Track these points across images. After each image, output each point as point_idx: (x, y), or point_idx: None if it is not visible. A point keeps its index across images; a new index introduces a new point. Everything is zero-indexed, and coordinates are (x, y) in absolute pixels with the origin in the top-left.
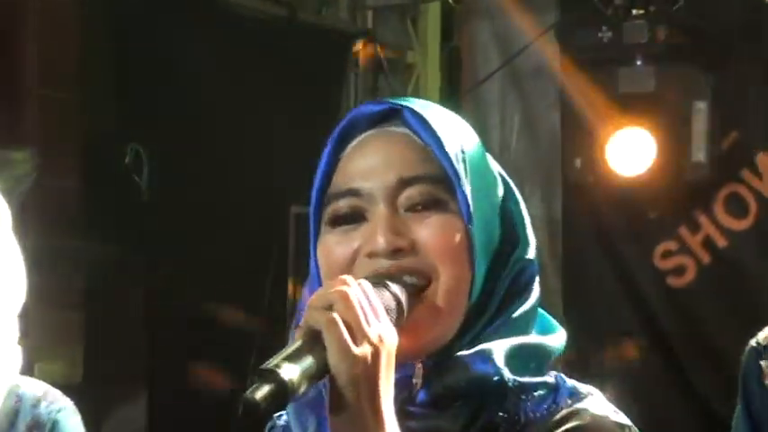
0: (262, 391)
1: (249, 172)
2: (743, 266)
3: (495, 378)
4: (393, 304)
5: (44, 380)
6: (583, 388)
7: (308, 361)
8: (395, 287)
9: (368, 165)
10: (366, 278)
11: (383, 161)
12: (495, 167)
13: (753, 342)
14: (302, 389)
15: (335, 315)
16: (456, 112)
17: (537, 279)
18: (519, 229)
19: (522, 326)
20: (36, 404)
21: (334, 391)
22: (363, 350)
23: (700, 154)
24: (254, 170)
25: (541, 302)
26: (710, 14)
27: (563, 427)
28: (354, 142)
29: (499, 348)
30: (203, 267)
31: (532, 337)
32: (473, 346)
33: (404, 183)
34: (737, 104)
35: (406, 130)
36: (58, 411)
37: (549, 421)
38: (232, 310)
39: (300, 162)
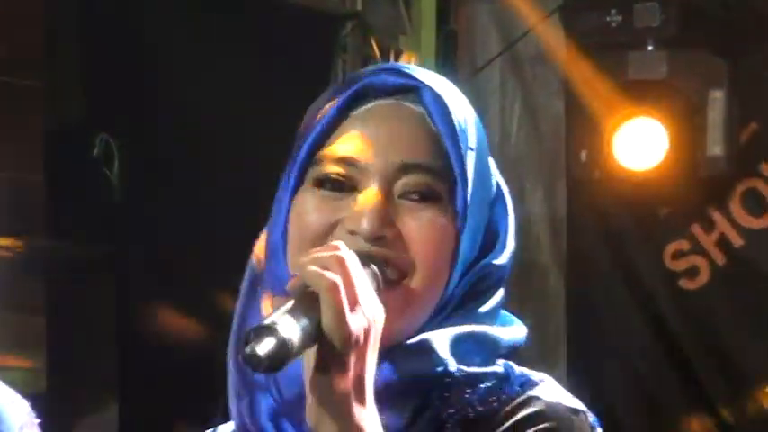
0: (265, 347)
1: (229, 163)
2: (760, 268)
3: (439, 369)
4: (373, 285)
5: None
6: (534, 375)
7: (304, 322)
8: (374, 269)
9: (372, 137)
10: None
11: (389, 138)
12: (493, 169)
13: None
14: (296, 350)
15: (338, 279)
16: None
17: (502, 283)
18: (500, 236)
19: (478, 323)
20: None
21: (323, 352)
22: (359, 319)
23: (715, 147)
24: (234, 161)
25: (542, 306)
26: None
27: (516, 417)
28: (362, 109)
29: (442, 337)
30: (179, 269)
31: (479, 327)
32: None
33: (405, 167)
34: (756, 93)
35: (421, 110)
36: None
37: (501, 412)
38: (209, 313)
39: (284, 154)
